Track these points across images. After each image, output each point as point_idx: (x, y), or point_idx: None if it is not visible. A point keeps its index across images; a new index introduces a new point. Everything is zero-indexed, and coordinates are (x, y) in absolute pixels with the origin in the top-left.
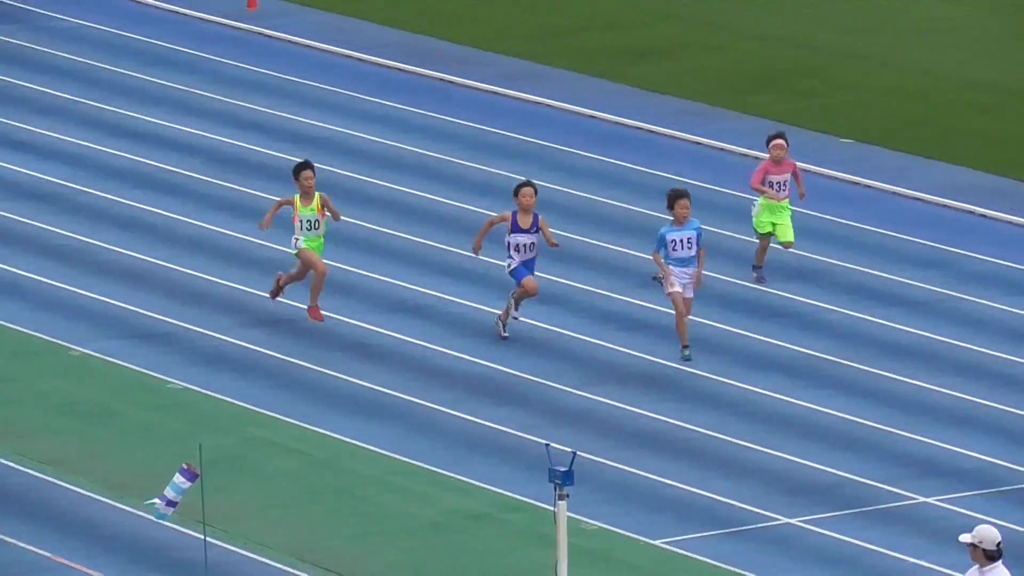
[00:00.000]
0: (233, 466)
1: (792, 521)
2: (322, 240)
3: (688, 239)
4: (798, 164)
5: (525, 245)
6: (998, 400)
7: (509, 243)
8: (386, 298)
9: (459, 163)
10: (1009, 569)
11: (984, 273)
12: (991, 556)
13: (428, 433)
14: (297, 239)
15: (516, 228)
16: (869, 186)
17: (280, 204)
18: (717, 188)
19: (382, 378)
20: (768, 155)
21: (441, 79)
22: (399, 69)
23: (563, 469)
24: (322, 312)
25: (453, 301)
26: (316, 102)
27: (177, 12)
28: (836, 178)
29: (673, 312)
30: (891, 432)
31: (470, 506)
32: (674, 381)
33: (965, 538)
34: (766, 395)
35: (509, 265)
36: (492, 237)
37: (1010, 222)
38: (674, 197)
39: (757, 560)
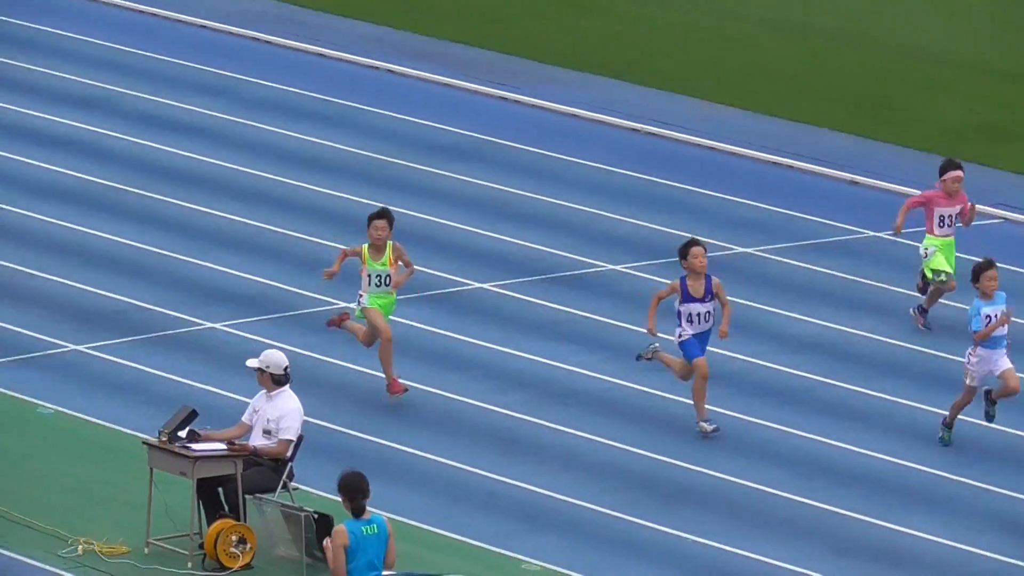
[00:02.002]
0: None
1: (79, 348)
2: (393, 298)
3: (1000, 314)
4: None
5: (700, 315)
6: (285, 226)
7: (680, 312)
8: None
9: None
10: (296, 393)
11: (264, 99)
12: (278, 380)
13: None
14: (362, 295)
15: (687, 297)
16: (142, 11)
17: (346, 255)
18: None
19: None
20: (941, 187)
21: None
22: None
23: None
24: (402, 382)
25: None
26: None
27: None
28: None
29: None
30: (174, 257)
31: None
32: None
33: (252, 363)
34: (50, 223)
35: (680, 335)
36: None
37: (292, 47)
38: (980, 269)
39: (45, 387)
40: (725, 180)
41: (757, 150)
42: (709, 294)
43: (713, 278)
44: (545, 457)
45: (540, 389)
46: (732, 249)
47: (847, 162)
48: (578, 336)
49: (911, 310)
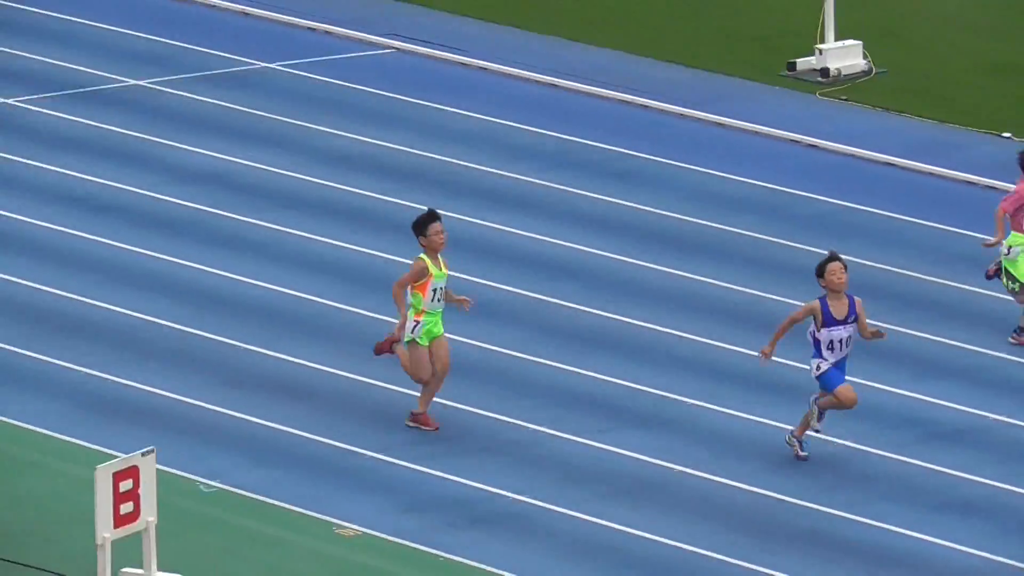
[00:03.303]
0: None
1: None
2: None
3: None
4: None
5: (841, 341)
6: None
7: (819, 339)
8: None
9: None
10: None
11: None
12: None
13: None
14: (417, 320)
15: (829, 320)
16: None
17: (417, 272)
18: None
19: None
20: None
21: None
22: None
23: None
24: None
25: None
26: None
27: None
28: None
29: None
30: None
31: None
32: None
33: None
34: None
35: (818, 367)
36: None
37: None
38: None
39: None
40: (121, 14)
41: None
42: (853, 314)
43: (855, 298)
44: None
45: None
46: (126, 82)
47: None
48: None
49: (1010, 338)
